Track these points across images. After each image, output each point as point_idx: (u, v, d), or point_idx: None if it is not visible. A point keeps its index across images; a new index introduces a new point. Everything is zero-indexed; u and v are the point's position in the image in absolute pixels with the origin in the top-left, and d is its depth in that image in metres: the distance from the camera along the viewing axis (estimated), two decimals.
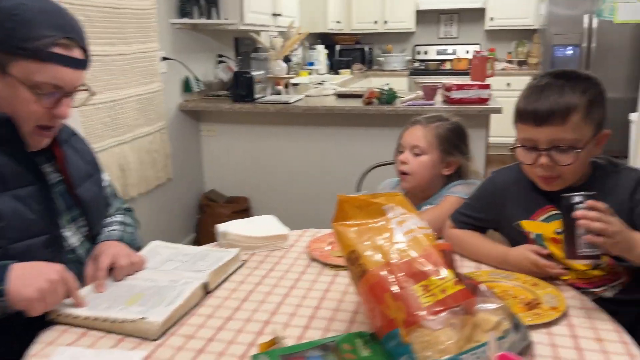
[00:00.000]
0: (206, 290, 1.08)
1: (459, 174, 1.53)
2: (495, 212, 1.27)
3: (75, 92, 1.07)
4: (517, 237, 1.22)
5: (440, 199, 1.48)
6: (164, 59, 2.90)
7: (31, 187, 1.06)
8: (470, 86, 2.82)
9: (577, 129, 1.07)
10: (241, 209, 3.30)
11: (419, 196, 1.55)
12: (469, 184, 1.47)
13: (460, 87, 2.83)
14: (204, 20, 3.10)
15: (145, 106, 2.73)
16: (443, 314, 0.77)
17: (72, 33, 1.02)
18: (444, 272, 0.81)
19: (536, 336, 0.91)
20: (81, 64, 1.04)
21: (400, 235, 0.87)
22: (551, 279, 1.11)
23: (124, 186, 2.58)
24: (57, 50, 0.99)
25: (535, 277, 1.11)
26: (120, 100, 2.52)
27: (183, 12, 3.02)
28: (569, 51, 4.97)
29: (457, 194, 1.44)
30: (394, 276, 0.80)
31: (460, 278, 0.83)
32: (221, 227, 1.32)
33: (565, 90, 1.08)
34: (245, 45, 3.82)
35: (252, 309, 1.03)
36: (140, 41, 2.64)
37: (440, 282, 0.80)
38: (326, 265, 1.21)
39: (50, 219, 1.08)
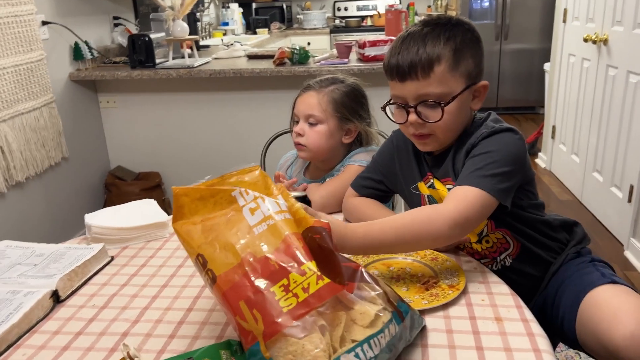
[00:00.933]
0: (57, 300, 0.90)
1: (360, 141, 1.41)
2: (395, 174, 1.17)
3: None
4: (416, 202, 1.13)
5: (341, 168, 1.35)
6: (44, 23, 2.55)
7: None
8: (384, 42, 2.70)
9: (443, 81, 0.97)
10: (152, 185, 3.07)
11: (321, 168, 1.43)
12: (370, 150, 1.36)
13: (373, 44, 2.70)
14: None
15: (25, 78, 2.40)
16: (307, 316, 0.64)
17: None
18: (307, 266, 0.67)
19: (433, 321, 0.81)
20: None
21: (253, 226, 0.72)
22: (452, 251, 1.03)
23: (6, 170, 2.28)
24: None
25: (433, 250, 1.01)
26: None
27: None
28: (485, 3, 4.96)
29: (358, 163, 1.32)
30: (247, 279, 0.66)
31: (337, 261, 0.70)
32: (87, 219, 1.14)
33: (427, 40, 0.97)
34: (145, 6, 3.49)
35: (110, 318, 0.87)
36: (10, 3, 2.29)
37: (302, 279, 0.66)
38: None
39: None
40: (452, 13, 5.35)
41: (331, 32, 5.49)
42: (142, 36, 2.82)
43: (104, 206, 3.06)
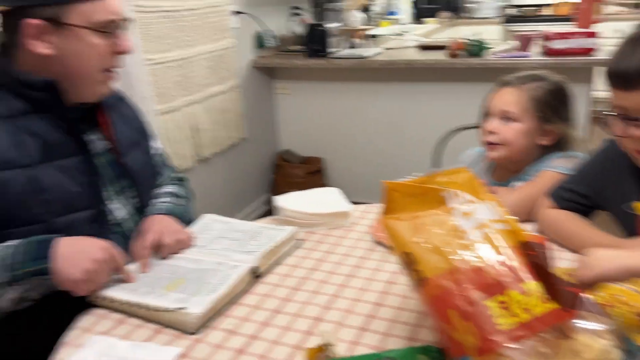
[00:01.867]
0: (255, 275, 0.97)
1: (558, 145, 1.28)
2: (604, 189, 1.05)
3: (124, 23, 1.02)
4: (627, 222, 0.99)
5: (535, 173, 1.25)
6: (236, 13, 2.78)
7: (75, 157, 1.00)
8: (573, 34, 2.44)
9: None
10: (315, 169, 3.20)
11: (508, 169, 1.33)
12: (571, 157, 1.23)
13: (562, 36, 2.45)
14: None
15: (216, 64, 2.64)
16: (528, 340, 0.59)
17: None
18: (530, 285, 0.62)
19: None
20: None
21: (467, 232, 0.69)
22: None
23: (197, 147, 2.55)
24: None
25: None
26: (191, 58, 2.44)
27: None
28: None
29: (556, 169, 1.20)
30: (460, 288, 0.63)
31: (555, 283, 0.64)
32: (278, 201, 1.21)
33: None
34: None
35: (303, 300, 0.91)
36: None
37: (524, 298, 0.62)
38: (392, 250, 1.06)
39: (94, 192, 1.02)
40: None
41: (504, 22, 5.16)
42: (318, 26, 2.92)
43: (273, 184, 3.28)
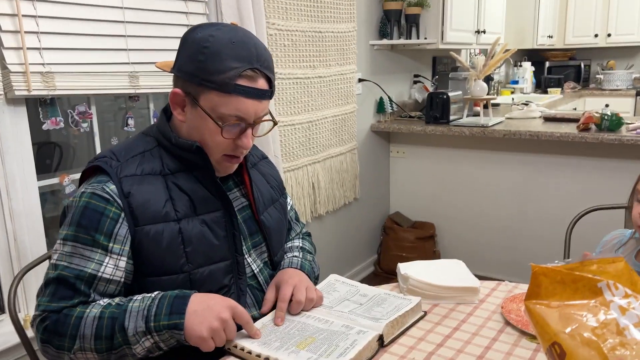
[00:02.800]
0: (381, 343, 0.97)
1: None
2: None
3: (258, 122, 1.05)
4: None
5: None
6: (361, 80, 2.91)
7: (218, 212, 1.07)
8: None
9: None
10: (426, 235, 3.15)
11: None
12: None
13: None
14: (403, 41, 3.04)
15: (339, 127, 2.77)
16: None
17: (258, 63, 1.00)
18: None
19: None
20: (265, 95, 1.03)
21: (626, 328, 0.64)
22: None
23: (313, 204, 2.64)
24: (242, 82, 0.98)
25: None
26: (317, 121, 2.59)
27: (383, 33, 3.00)
28: None
29: None
30: None
31: None
32: (402, 269, 1.21)
33: None
34: (442, 64, 3.67)
35: None
36: (339, 63, 2.69)
37: None
38: (524, 334, 1.01)
39: (234, 245, 1.09)
40: None
41: (637, 94, 4.84)
42: (441, 94, 2.96)
43: (380, 247, 3.27)
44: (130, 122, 1.80)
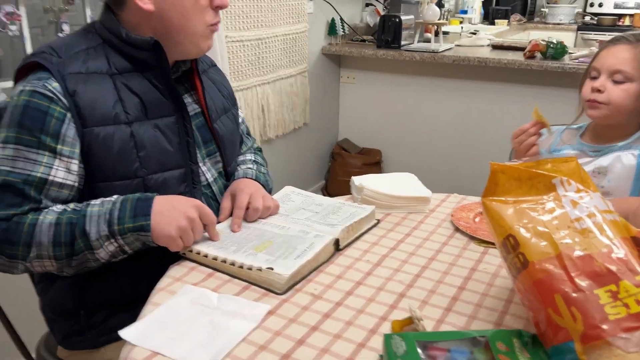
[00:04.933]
0: (337, 247, 0.99)
1: None
2: None
3: None
4: None
5: None
6: None
7: (171, 117, 1.02)
8: None
9: None
10: (373, 161, 3.20)
11: (606, 134, 1.25)
12: None
13: None
14: None
15: (289, 47, 2.68)
16: (638, 332, 0.58)
17: None
18: None
19: None
20: None
21: (578, 220, 0.68)
22: None
23: (263, 127, 2.60)
24: None
25: None
26: (266, 39, 2.49)
27: None
28: None
29: None
30: (567, 274, 0.62)
31: None
32: (357, 180, 1.22)
33: None
34: None
35: (385, 276, 0.92)
36: None
37: (637, 290, 0.61)
38: (473, 238, 1.05)
39: (187, 152, 1.05)
40: None
41: (578, 29, 4.98)
42: (393, 17, 2.91)
43: (328, 173, 3.30)
44: (65, 27, 1.65)
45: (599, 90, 1.20)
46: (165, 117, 1.02)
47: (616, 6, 5.21)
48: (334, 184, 3.24)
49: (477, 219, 1.12)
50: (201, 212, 0.94)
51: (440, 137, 3.02)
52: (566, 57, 2.55)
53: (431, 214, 1.18)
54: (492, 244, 1.02)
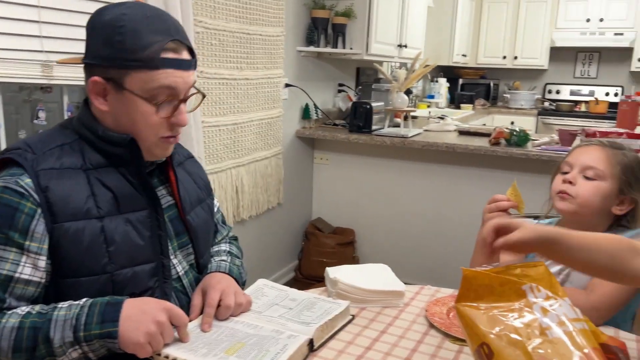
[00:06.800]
0: (311, 348, 0.97)
1: (634, 215, 1.24)
2: None
3: (188, 96, 1.03)
4: None
5: None
6: (287, 85, 2.91)
7: (144, 211, 1.02)
8: (618, 134, 2.48)
9: None
10: (346, 241, 3.20)
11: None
12: None
13: (604, 134, 2.50)
14: (329, 49, 3.09)
15: (265, 130, 2.75)
16: None
17: (178, 35, 0.98)
18: None
19: None
20: (191, 65, 1.00)
21: (548, 328, 0.68)
22: None
23: (236, 208, 2.59)
24: (167, 55, 0.95)
25: None
26: (242, 124, 2.55)
27: (310, 40, 3.03)
28: None
29: None
30: None
31: None
32: (331, 273, 1.21)
33: None
34: (366, 76, 3.77)
35: None
36: (266, 67, 2.67)
37: None
38: (448, 336, 1.05)
39: (159, 246, 1.04)
40: None
41: (539, 114, 5.28)
42: (364, 104, 3.03)
43: (302, 252, 3.28)
44: (42, 114, 1.67)
45: (570, 182, 1.24)
46: (138, 211, 1.01)
47: (572, 93, 5.58)
48: (307, 264, 3.21)
49: (451, 314, 1.12)
50: (171, 314, 0.91)
51: (411, 218, 3.06)
52: (529, 144, 2.68)
53: (406, 308, 1.17)
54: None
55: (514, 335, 0.68)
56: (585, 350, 0.65)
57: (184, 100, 1.01)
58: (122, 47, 0.93)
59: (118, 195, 0.99)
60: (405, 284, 1.27)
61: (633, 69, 5.07)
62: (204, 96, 1.09)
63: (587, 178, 1.24)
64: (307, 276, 3.20)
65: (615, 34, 5.04)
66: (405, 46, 3.60)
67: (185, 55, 0.99)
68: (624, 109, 2.82)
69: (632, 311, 1.26)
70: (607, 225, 1.26)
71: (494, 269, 0.76)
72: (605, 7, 5.05)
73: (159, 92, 0.96)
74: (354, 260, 3.24)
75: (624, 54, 5.15)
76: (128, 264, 0.99)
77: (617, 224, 1.26)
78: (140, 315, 0.88)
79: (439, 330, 1.06)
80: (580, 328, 0.68)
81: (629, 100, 2.81)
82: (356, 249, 3.27)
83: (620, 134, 2.49)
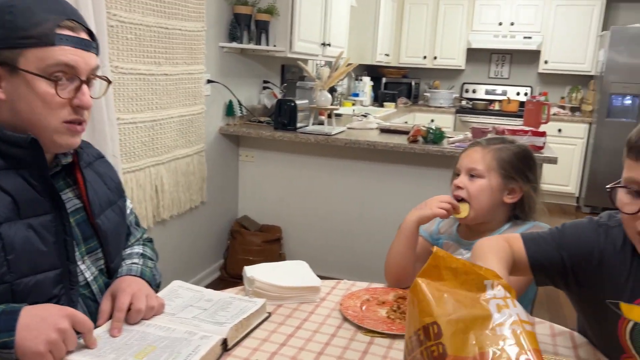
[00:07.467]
0: (225, 347, 0.97)
1: (523, 206, 1.35)
2: (587, 271, 0.99)
3: (91, 78, 0.98)
4: (603, 315, 0.97)
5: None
6: (209, 81, 2.86)
7: (47, 215, 0.97)
8: (524, 132, 2.67)
9: None
10: (272, 238, 3.20)
11: (476, 228, 1.37)
12: (540, 227, 1.29)
13: (513, 132, 2.67)
14: (252, 46, 3.07)
15: (186, 127, 2.69)
16: None
17: (74, 16, 0.95)
18: None
19: None
20: (91, 46, 0.97)
21: (499, 325, 0.72)
22: None
23: (156, 208, 2.52)
24: (63, 31, 0.92)
25: None
26: (161, 121, 2.48)
27: (232, 37, 2.99)
28: (627, 101, 4.72)
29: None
30: None
31: None
32: (248, 272, 1.22)
33: None
34: (291, 73, 3.78)
35: None
36: (187, 62, 2.61)
37: None
38: (360, 328, 1.08)
39: (65, 251, 1.00)
40: (588, 107, 5.17)
41: (457, 112, 5.54)
42: (289, 101, 3.04)
43: (227, 251, 3.24)
44: None
45: (460, 188, 1.36)
46: (41, 216, 0.96)
47: (487, 92, 5.90)
48: (233, 262, 3.18)
49: (363, 307, 1.16)
50: (74, 320, 0.87)
51: (336, 214, 3.12)
52: (445, 141, 2.81)
53: (322, 303, 1.20)
54: (378, 333, 1.05)
55: (467, 323, 0.71)
56: (528, 351, 0.69)
57: (87, 82, 0.97)
58: (13, 26, 0.89)
59: (18, 199, 0.93)
60: (327, 278, 1.30)
61: (540, 70, 5.44)
62: (109, 82, 1.06)
63: (472, 177, 1.35)
64: (233, 275, 3.17)
65: (525, 37, 5.39)
66: (329, 45, 3.65)
67: (83, 35, 0.96)
68: (530, 109, 3.03)
69: (530, 297, 1.36)
70: (504, 217, 1.36)
71: (462, 259, 0.79)
72: (516, 12, 5.39)
73: (56, 70, 0.92)
74: (280, 257, 3.25)
75: (533, 56, 5.52)
76: (30, 272, 0.93)
77: (513, 215, 1.37)
78: (39, 323, 0.84)
79: (352, 323, 1.10)
80: (529, 330, 0.72)
81: (534, 101, 3.02)
82: (283, 245, 3.28)
83: (526, 132, 2.67)
